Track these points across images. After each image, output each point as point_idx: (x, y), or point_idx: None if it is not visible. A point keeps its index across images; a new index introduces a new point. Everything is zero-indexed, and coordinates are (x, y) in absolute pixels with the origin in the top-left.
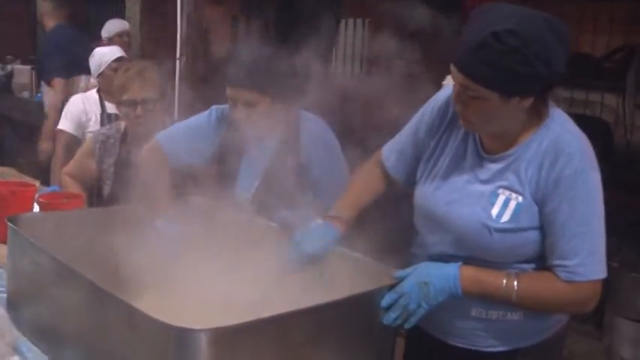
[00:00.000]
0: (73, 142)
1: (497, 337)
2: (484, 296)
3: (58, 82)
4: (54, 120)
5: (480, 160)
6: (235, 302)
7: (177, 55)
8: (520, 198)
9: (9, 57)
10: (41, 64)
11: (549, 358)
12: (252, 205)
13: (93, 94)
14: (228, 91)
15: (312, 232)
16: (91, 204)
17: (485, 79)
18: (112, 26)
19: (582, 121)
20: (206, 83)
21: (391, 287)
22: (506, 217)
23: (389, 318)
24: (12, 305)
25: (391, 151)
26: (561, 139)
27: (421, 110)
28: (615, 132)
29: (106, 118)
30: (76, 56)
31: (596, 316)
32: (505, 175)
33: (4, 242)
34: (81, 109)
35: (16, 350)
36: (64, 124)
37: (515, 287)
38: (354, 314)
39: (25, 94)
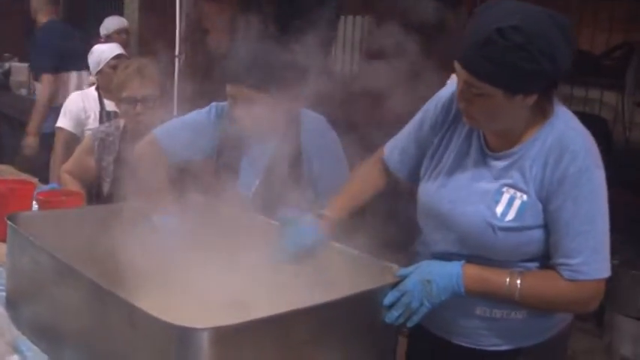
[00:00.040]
0: (72, 139)
1: (500, 336)
2: (487, 295)
3: (46, 78)
4: (40, 116)
5: (484, 158)
6: (236, 301)
7: (177, 52)
8: (525, 196)
9: (7, 55)
10: (32, 61)
11: (553, 357)
12: (253, 204)
13: (92, 91)
14: (228, 89)
15: (295, 230)
16: (90, 202)
17: (489, 76)
18: (110, 23)
19: (581, 119)
20: (205, 80)
21: (394, 285)
22: (510, 216)
23: (391, 316)
24: (11, 304)
25: (393, 148)
26: (565, 136)
27: (424, 107)
28: (614, 130)
29: (105, 115)
30: (66, 52)
31: (596, 313)
32: (509, 173)
33: (4, 240)
34: (80, 107)
35: (15, 349)
36: (63, 122)
37: (519, 286)
38: (356, 313)
39: (23, 92)
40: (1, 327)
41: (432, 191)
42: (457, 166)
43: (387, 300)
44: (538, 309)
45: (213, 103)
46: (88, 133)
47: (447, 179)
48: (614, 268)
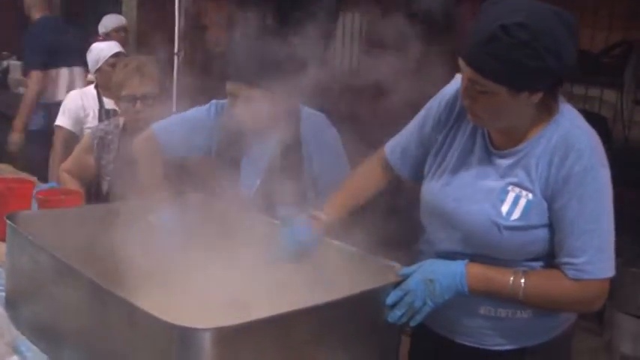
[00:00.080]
0: (71, 138)
1: (505, 335)
2: (490, 294)
3: (34, 74)
4: (26, 113)
5: (489, 156)
6: (236, 300)
7: (176, 50)
8: (530, 195)
9: (5, 53)
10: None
11: (557, 356)
12: (255, 203)
13: (91, 89)
14: (228, 86)
15: (289, 230)
16: (89, 200)
17: (493, 73)
18: (109, 22)
19: None
20: (205, 78)
21: (396, 284)
22: (516, 215)
23: (394, 316)
24: (11, 304)
25: (395, 146)
26: (571, 134)
27: (428, 104)
28: (614, 128)
29: (104, 113)
30: (56, 48)
31: (597, 311)
32: (515, 172)
33: (3, 240)
34: (79, 105)
35: (15, 350)
36: (62, 121)
37: (523, 285)
38: (358, 312)
39: (21, 90)
40: (0, 327)
41: (436, 190)
42: (461, 164)
43: (390, 299)
44: (542, 308)
45: (213, 101)
46: (87, 131)
47: (452, 177)
48: (615, 266)
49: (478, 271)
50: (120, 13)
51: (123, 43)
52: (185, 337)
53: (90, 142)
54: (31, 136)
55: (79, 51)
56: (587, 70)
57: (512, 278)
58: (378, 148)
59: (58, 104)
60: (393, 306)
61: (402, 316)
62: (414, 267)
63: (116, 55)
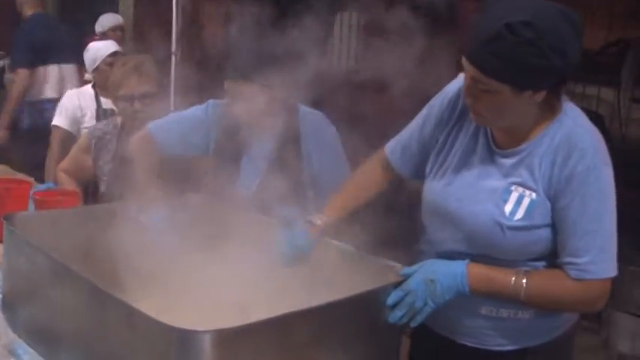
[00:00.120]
0: (68, 138)
1: (506, 335)
2: (492, 294)
3: (21, 72)
4: (10, 110)
5: (491, 155)
6: (235, 302)
7: (173, 49)
8: (534, 195)
9: (1, 52)
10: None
11: (559, 357)
12: (254, 203)
13: (88, 89)
14: (226, 85)
15: (287, 234)
16: (86, 201)
17: (497, 72)
18: (105, 21)
19: None
20: (202, 77)
21: (397, 285)
22: (519, 215)
23: (395, 316)
24: (7, 306)
25: (396, 145)
26: (574, 134)
27: (430, 103)
28: (611, 126)
29: (101, 113)
30: (44, 45)
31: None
32: (518, 171)
33: (0, 241)
34: (76, 105)
35: (11, 353)
36: (59, 120)
37: (524, 285)
38: (359, 313)
39: None
40: None
41: (437, 189)
42: (463, 163)
43: (391, 300)
44: (544, 309)
45: (210, 100)
46: (84, 131)
47: (454, 177)
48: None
49: (479, 271)
50: (117, 11)
51: (120, 43)
52: (184, 339)
53: (87, 142)
54: (22, 134)
55: (71, 48)
56: (585, 68)
57: (513, 278)
58: (377, 145)
59: (46, 102)
60: (394, 306)
61: (402, 316)
62: (414, 267)
63: (113, 54)
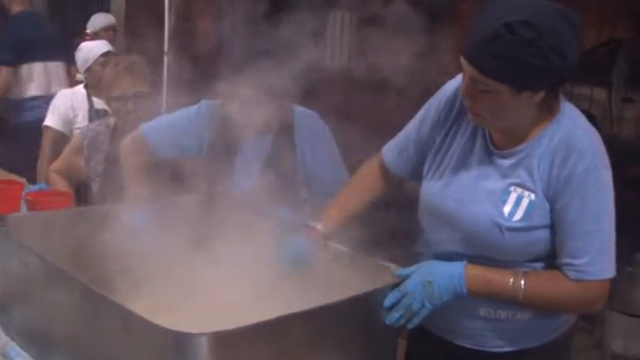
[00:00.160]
0: (60, 138)
1: (504, 337)
2: (490, 295)
3: (3, 69)
4: None
5: (489, 156)
6: (231, 303)
7: (165, 49)
8: (532, 196)
9: None
10: None
11: (557, 358)
12: (248, 204)
13: (80, 89)
14: (220, 86)
15: (287, 243)
16: (79, 202)
17: (495, 72)
18: (97, 20)
19: None
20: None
21: (394, 286)
22: (518, 216)
23: (392, 318)
24: (0, 308)
25: (393, 147)
26: (573, 135)
27: (427, 104)
28: (603, 126)
29: (94, 114)
30: (31, 43)
31: None
32: (517, 172)
33: None
34: (68, 106)
35: (4, 355)
36: (51, 120)
37: (523, 286)
38: (356, 315)
39: None
40: None
41: (435, 190)
42: (461, 164)
43: (388, 301)
44: (542, 310)
45: (203, 101)
46: (77, 131)
47: (452, 178)
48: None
49: (477, 272)
50: (108, 10)
51: (112, 42)
52: (181, 342)
53: (80, 143)
54: (7, 132)
55: (58, 46)
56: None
57: (512, 280)
58: (370, 144)
59: (30, 100)
60: (391, 308)
61: (399, 318)
62: (411, 268)
63: (106, 54)
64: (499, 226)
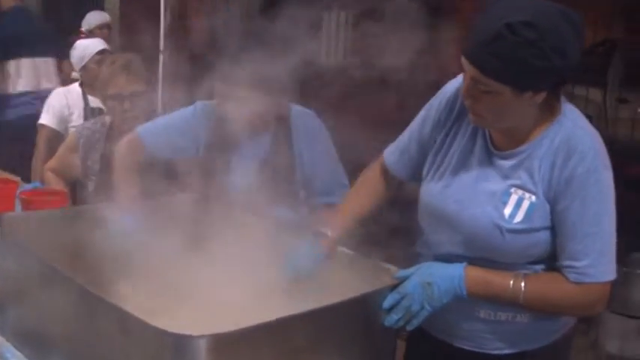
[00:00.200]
0: (55, 137)
1: (504, 339)
2: (490, 297)
3: None
4: None
5: (490, 157)
6: (229, 304)
7: (161, 47)
8: (533, 197)
9: None
10: None
11: None
12: (246, 204)
13: (75, 87)
14: (217, 86)
15: (299, 252)
16: (74, 201)
17: (497, 73)
18: (92, 18)
19: None
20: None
21: (393, 288)
22: (519, 218)
23: (391, 320)
24: None
25: (395, 150)
26: (574, 136)
27: (428, 104)
28: (598, 126)
29: (89, 112)
30: (19, 39)
31: None
32: (517, 174)
33: None
34: (63, 104)
35: None
36: (46, 119)
37: (523, 289)
38: (355, 316)
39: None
40: None
41: (435, 191)
42: (461, 165)
43: (387, 303)
44: (543, 312)
45: (198, 102)
46: (72, 130)
47: (452, 179)
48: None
49: (477, 274)
50: (102, 9)
51: (106, 40)
52: (179, 344)
53: (75, 141)
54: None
55: (48, 42)
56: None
57: (512, 282)
58: (368, 144)
59: (16, 96)
60: (390, 310)
61: (399, 320)
62: (411, 269)
63: (101, 52)
64: (499, 228)
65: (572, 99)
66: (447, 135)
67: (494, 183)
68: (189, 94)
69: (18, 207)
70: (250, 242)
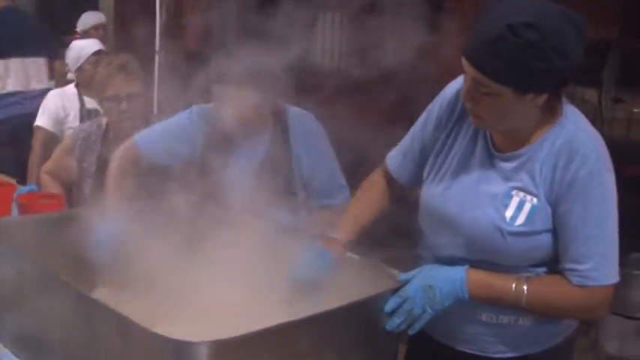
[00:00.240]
0: (51, 139)
1: (506, 342)
2: (492, 301)
3: None
4: None
5: (491, 159)
6: (229, 308)
7: (157, 48)
8: (535, 200)
9: None
10: None
11: None
12: (244, 207)
13: (71, 88)
14: (215, 89)
15: (307, 259)
16: (70, 203)
17: (498, 74)
18: (88, 19)
19: None
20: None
21: (395, 291)
22: (520, 220)
23: (393, 323)
24: None
25: (397, 154)
26: (576, 138)
27: (429, 107)
28: (594, 127)
29: (85, 113)
30: (8, 38)
31: None
32: (519, 176)
33: None
34: (59, 105)
35: None
36: (42, 121)
37: (525, 291)
38: (356, 320)
39: None
40: None
41: (436, 193)
42: (462, 167)
43: (389, 306)
44: (545, 315)
45: (194, 107)
46: (68, 132)
47: (452, 181)
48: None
49: (479, 277)
50: (97, 9)
51: (102, 41)
52: (180, 350)
53: (71, 144)
54: None
55: (39, 42)
56: None
57: (514, 285)
58: (366, 145)
59: (4, 96)
60: (392, 313)
61: (400, 323)
62: (412, 273)
63: (97, 53)
64: (501, 231)
65: (573, 100)
66: (447, 137)
67: (495, 185)
68: (185, 94)
69: (14, 210)
70: (250, 246)
